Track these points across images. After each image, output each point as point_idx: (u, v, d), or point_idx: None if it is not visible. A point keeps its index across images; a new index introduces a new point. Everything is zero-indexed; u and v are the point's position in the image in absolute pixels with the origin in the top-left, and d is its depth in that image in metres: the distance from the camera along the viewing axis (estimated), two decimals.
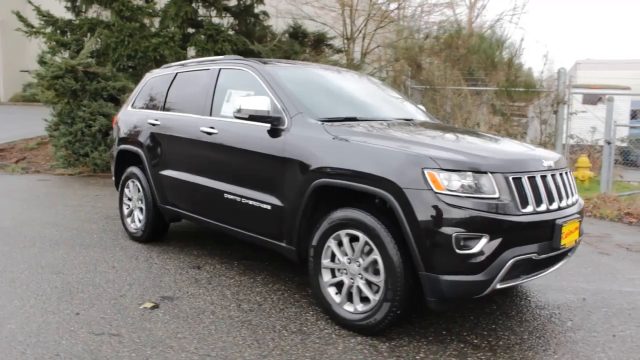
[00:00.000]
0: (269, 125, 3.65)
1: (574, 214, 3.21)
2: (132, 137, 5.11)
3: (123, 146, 5.25)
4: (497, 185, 2.84)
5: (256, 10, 12.86)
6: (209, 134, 4.13)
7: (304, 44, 13.69)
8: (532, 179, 3.01)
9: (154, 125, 4.81)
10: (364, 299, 3.13)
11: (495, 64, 10.03)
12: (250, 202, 3.73)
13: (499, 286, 2.87)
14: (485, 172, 2.85)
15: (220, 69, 4.35)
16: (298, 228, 3.41)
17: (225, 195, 3.94)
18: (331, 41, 14.42)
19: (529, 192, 2.95)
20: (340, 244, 3.22)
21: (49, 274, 4.08)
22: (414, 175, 2.83)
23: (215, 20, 12.23)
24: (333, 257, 3.27)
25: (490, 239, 2.78)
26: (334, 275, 3.28)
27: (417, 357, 2.85)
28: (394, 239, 2.91)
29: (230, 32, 12.06)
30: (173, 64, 5.33)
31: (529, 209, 2.92)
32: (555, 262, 3.23)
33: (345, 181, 3.11)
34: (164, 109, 4.86)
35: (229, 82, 4.26)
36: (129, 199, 5.23)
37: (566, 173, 3.36)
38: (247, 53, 11.98)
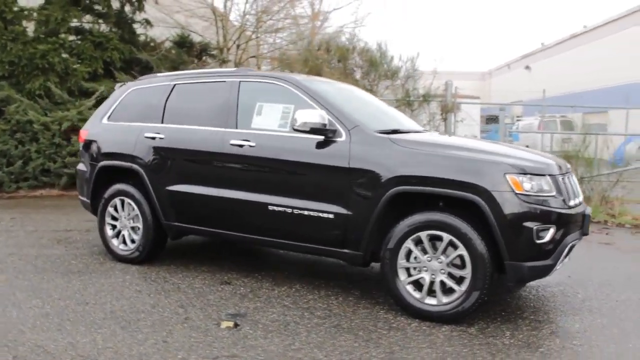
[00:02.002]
0: (322, 137, 3.81)
1: (586, 207, 3.96)
2: (120, 152, 4.77)
3: (106, 162, 4.86)
4: (553, 185, 3.43)
5: (138, 18, 12.26)
6: (241, 146, 4.12)
7: (190, 54, 13.45)
8: (568, 179, 3.67)
9: (153, 139, 4.58)
10: (445, 291, 3.49)
11: (394, 75, 11.01)
12: (306, 213, 3.84)
13: (557, 268, 3.46)
14: (544, 175, 3.42)
15: (240, 82, 4.35)
16: (369, 233, 3.64)
17: (270, 208, 3.97)
18: (213, 51, 14.40)
19: (570, 190, 3.60)
20: (416, 244, 3.53)
21: (77, 305, 3.70)
22: (498, 180, 3.29)
23: (89, 26, 11.38)
24: (407, 257, 3.57)
25: (557, 229, 3.35)
26: (409, 274, 3.58)
27: (506, 335, 3.31)
28: (480, 235, 3.34)
29: (117, 40, 11.36)
30: (159, 74, 5.10)
31: (572, 203, 3.56)
32: None
33: (428, 187, 3.44)
34: (162, 122, 4.65)
35: (255, 95, 4.28)
36: (115, 219, 4.87)
37: (572, 174, 4.09)
38: (134, 62, 11.45)
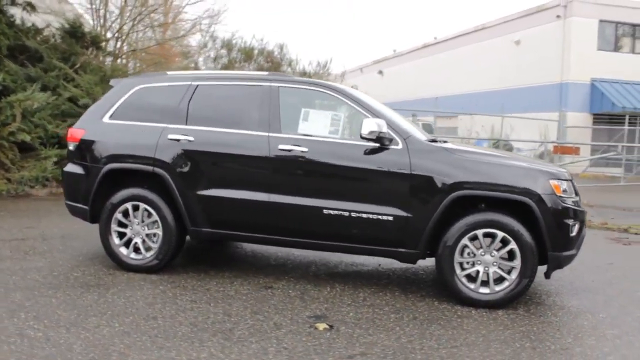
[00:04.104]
0: (377, 144, 4.09)
1: None
2: (137, 155, 4.45)
3: (116, 165, 4.47)
4: (572, 189, 4.18)
5: (20, 1, 10.90)
6: (290, 151, 4.19)
7: (82, 45, 12.35)
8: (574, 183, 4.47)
9: (178, 141, 4.38)
10: (495, 281, 4.02)
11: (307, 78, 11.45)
12: (364, 216, 4.08)
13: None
14: (568, 180, 4.15)
15: (279, 87, 4.39)
16: (428, 233, 4.02)
17: (326, 212, 4.12)
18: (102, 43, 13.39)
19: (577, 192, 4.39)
20: (471, 240, 4.00)
21: (146, 320, 3.47)
22: (545, 185, 3.93)
23: None
24: (462, 253, 4.03)
25: (580, 225, 4.10)
26: (462, 268, 4.05)
27: (548, 314, 3.96)
28: (528, 231, 3.93)
29: (5, 25, 10.01)
30: (168, 73, 4.85)
31: (581, 203, 4.36)
32: None
33: (488, 191, 3.94)
34: (186, 123, 4.46)
35: (297, 101, 4.37)
36: (122, 226, 4.52)
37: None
38: (18, 49, 10.27)
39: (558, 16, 18.88)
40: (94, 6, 16.03)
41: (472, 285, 4.02)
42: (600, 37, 19.04)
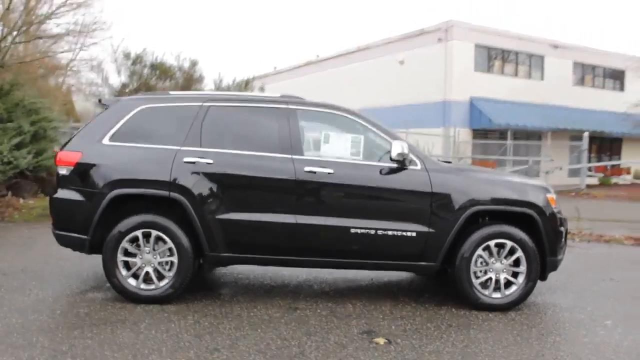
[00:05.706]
0: (397, 165, 4.35)
1: None
2: (149, 179, 4.19)
3: (124, 191, 4.17)
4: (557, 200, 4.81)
5: None
6: (314, 172, 4.28)
7: None
8: None
9: (194, 163, 4.23)
10: (504, 286, 4.47)
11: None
12: (390, 233, 4.29)
13: None
14: (554, 193, 4.76)
15: (297, 109, 4.45)
16: (447, 247, 4.35)
17: (353, 231, 4.27)
18: None
19: None
20: (483, 250, 4.42)
21: (209, 352, 3.32)
22: (544, 199, 4.48)
23: None
24: (475, 263, 4.42)
25: (565, 232, 4.74)
26: (476, 277, 4.44)
27: (548, 312, 4.50)
28: (531, 239, 4.45)
29: None
30: (172, 93, 4.62)
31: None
32: None
33: (501, 206, 4.38)
34: (200, 145, 4.32)
35: (316, 124, 4.48)
36: (130, 256, 4.23)
37: None
38: None
39: (439, 39, 20.78)
40: None
41: (486, 292, 4.43)
42: (476, 59, 21.32)
